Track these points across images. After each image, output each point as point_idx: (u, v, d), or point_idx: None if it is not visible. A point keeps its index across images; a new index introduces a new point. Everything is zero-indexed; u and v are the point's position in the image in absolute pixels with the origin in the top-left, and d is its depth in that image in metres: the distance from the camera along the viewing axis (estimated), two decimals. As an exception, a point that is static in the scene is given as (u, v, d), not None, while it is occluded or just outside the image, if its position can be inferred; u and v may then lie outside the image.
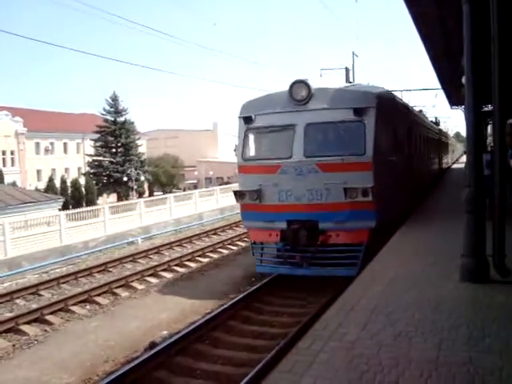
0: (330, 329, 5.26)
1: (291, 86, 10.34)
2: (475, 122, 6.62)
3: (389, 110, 10.97)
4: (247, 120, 10.93)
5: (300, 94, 10.24)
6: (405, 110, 14.51)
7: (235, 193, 11.13)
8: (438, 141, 27.37)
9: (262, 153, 11.30)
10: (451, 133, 68.73)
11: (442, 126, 42.68)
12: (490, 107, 17.05)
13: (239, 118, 11.15)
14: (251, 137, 11.13)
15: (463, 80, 7.09)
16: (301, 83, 10.28)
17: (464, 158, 9.29)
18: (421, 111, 24.68)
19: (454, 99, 30.67)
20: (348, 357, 4.52)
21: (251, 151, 11.22)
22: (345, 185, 9.62)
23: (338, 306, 6.07)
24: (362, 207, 9.58)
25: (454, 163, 50.15)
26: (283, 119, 10.52)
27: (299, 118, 10.25)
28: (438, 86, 27.18)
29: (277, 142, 11.06)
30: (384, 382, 4.01)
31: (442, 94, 31.97)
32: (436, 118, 34.75)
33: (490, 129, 23.25)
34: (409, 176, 13.58)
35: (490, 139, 22.73)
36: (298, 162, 10.05)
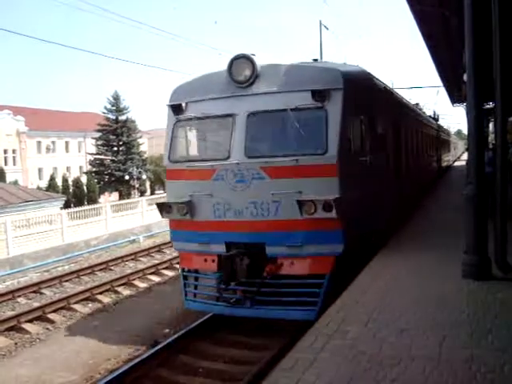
0: (331, 326, 5.26)
1: (231, 63, 7.99)
2: (477, 119, 6.60)
3: (364, 94, 8.59)
4: (176, 109, 8.50)
5: (242, 73, 7.91)
6: (390, 97, 11.91)
7: (158, 205, 8.70)
8: (436, 138, 25.97)
9: (193, 152, 8.94)
10: (453, 130, 68.53)
11: (443, 123, 42.00)
12: (491, 105, 17.01)
13: (167, 106, 8.72)
14: (181, 131, 8.71)
15: (465, 77, 7.08)
16: (243, 59, 7.92)
17: (466, 156, 9.19)
18: (417, 104, 23.81)
19: (455, 97, 30.59)
20: (350, 354, 4.52)
21: (180, 150, 8.78)
22: (299, 196, 7.29)
23: (340, 303, 6.07)
24: (323, 226, 7.23)
25: (455, 161, 50.03)
26: (220, 107, 8.13)
27: (240, 105, 7.93)
28: (440, 83, 27.13)
29: (212, 138, 8.92)
30: (386, 380, 4.01)
31: (443, 91, 31.92)
32: (434, 113, 32.86)
33: (491, 126, 23.17)
34: (394, 180, 11.15)
35: (491, 136, 22.68)
36: (238, 164, 7.66)
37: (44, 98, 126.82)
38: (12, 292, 13.30)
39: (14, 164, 53.18)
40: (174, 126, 8.63)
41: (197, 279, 8.70)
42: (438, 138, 27.44)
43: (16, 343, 9.71)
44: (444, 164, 32.72)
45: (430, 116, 27.73)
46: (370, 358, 4.39)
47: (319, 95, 7.39)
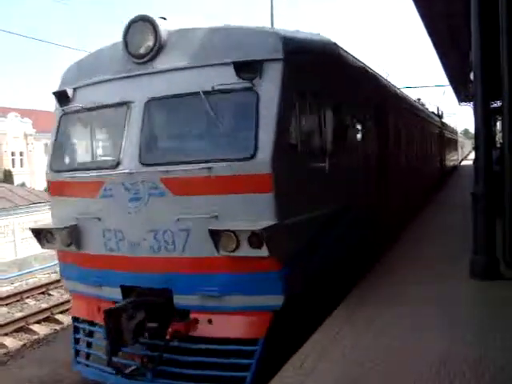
0: (337, 323, 5.25)
1: (126, 29, 5.67)
2: (484, 118, 6.57)
3: (322, 71, 6.14)
4: (62, 98, 6.26)
5: (142, 42, 5.61)
6: (370, 80, 9.14)
7: (34, 232, 6.21)
8: (439, 136, 24.04)
9: (79, 157, 6.68)
10: (459, 129, 67.97)
11: (449, 122, 40.86)
12: (498, 103, 16.92)
13: (53, 94, 6.44)
14: (67, 128, 6.49)
15: (471, 76, 7.05)
16: (141, 22, 5.59)
17: (473, 155, 9.08)
18: (419, 100, 22.81)
19: (462, 95, 30.43)
20: (355, 352, 4.50)
21: (66, 155, 6.64)
22: (213, 223, 4.98)
23: (346, 301, 6.06)
24: (252, 268, 4.98)
25: (462, 161, 49.70)
26: (113, 93, 5.85)
27: (138, 88, 5.66)
28: (446, 82, 26.98)
29: (102, 137, 6.70)
30: (392, 379, 3.99)
31: (449, 91, 31.76)
32: (438, 109, 29.67)
33: (498, 125, 22.98)
34: (374, 192, 8.49)
35: (499, 135, 22.51)
36: (130, 174, 5.40)
37: (50, 100, 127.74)
38: (20, 293, 13.40)
39: (22, 166, 53.56)
40: (59, 122, 6.47)
41: (91, 334, 6.21)
42: (442, 137, 25.91)
43: (25, 344, 9.79)
44: (450, 164, 31.61)
45: (432, 112, 25.74)
46: (375, 357, 4.37)
47: (246, 70, 5.05)
